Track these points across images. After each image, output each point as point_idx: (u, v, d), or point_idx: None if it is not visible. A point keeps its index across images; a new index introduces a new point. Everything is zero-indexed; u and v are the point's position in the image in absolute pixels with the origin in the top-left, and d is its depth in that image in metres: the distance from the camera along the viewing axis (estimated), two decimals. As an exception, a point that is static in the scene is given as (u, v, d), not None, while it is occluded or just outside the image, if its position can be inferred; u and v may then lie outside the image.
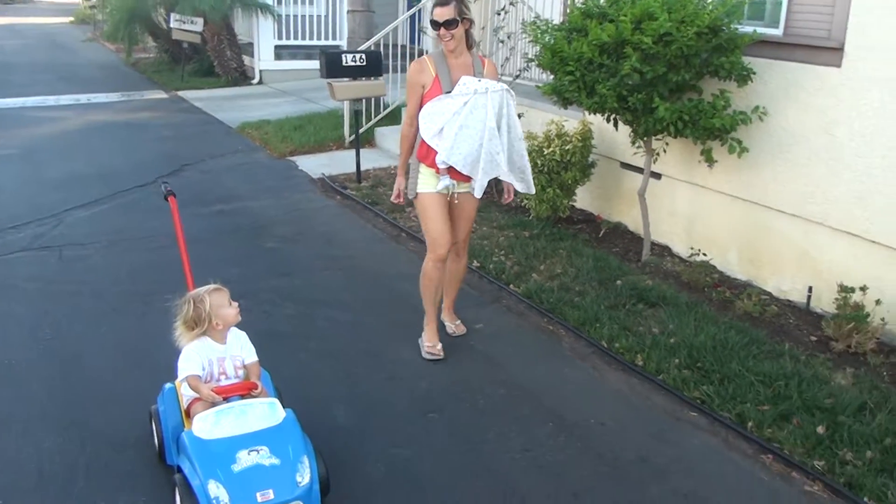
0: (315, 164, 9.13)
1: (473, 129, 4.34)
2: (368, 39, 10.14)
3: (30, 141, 10.25)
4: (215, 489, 3.00)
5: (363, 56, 8.24)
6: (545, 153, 6.67)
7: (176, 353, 3.56)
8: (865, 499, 3.55)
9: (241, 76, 15.51)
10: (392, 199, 4.92)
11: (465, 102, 4.31)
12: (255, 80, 15.36)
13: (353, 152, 8.55)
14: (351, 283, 5.95)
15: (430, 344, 4.82)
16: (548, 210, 6.89)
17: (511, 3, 7.52)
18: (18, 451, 3.77)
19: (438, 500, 3.53)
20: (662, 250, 6.46)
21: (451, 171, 4.52)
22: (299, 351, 4.85)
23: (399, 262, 6.37)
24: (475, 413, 4.23)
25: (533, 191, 4.77)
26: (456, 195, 4.67)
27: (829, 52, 5.17)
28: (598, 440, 3.99)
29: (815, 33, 5.27)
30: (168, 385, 3.70)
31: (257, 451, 3.12)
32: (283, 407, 3.37)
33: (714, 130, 5.41)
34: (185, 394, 3.55)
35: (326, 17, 15.72)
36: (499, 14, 7.74)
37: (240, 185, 8.39)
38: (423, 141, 4.54)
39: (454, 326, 5.12)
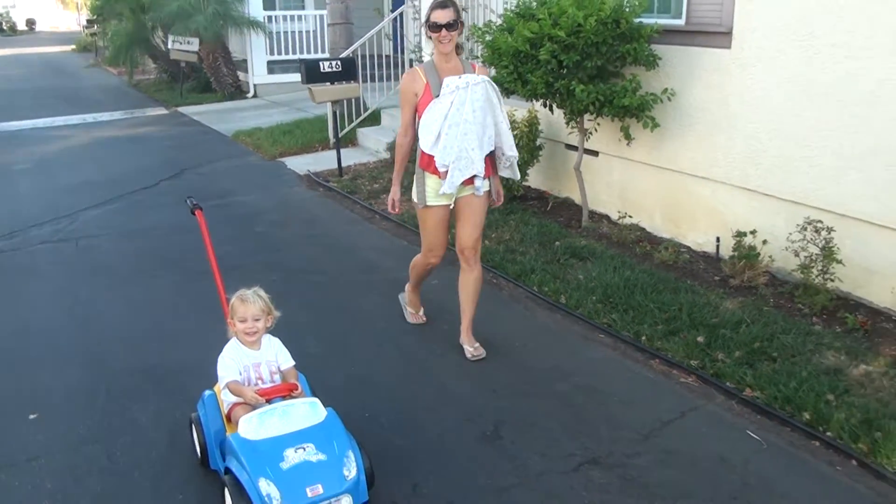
0: (302, 163, 10.09)
1: (459, 125, 4.46)
2: (348, 49, 11.10)
3: (43, 156, 11.24)
4: (266, 486, 3.07)
5: (339, 63, 9.22)
6: (497, 138, 7.58)
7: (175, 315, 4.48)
8: (728, 384, 4.45)
9: (237, 91, 16.52)
10: (389, 209, 4.97)
11: (451, 102, 4.44)
12: (250, 94, 16.37)
13: (336, 151, 9.50)
14: (328, 255, 6.89)
15: (412, 310, 5.37)
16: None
17: (463, 9, 8.46)
18: (51, 381, 4.70)
19: (385, 396, 4.45)
20: (601, 218, 7.38)
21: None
22: (282, 306, 5.74)
23: (371, 237, 7.31)
24: (422, 342, 5.16)
25: (518, 177, 4.95)
26: (456, 199, 4.74)
27: (721, 36, 6.09)
28: (520, 356, 4.91)
29: (710, 21, 6.19)
30: (208, 392, 3.81)
31: (304, 449, 3.21)
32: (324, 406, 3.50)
33: (629, 109, 6.32)
34: (226, 399, 3.65)
35: (315, 31, 16.70)
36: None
37: (233, 184, 9.35)
38: (421, 149, 4.63)
39: (472, 350, 4.92)
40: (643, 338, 4.98)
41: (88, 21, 29.11)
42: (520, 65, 6.53)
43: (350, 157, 10.10)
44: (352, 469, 3.23)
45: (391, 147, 9.71)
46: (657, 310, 5.29)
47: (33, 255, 7.00)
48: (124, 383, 4.66)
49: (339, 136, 9.67)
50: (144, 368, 4.82)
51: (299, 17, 16.79)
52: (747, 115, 6.00)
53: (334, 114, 9.66)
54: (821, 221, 5.33)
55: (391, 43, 11.28)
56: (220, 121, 13.45)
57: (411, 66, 10.67)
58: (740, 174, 6.11)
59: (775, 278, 5.83)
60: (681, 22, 6.43)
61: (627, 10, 6.11)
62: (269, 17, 16.34)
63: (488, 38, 6.84)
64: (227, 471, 3.30)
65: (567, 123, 6.99)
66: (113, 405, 4.42)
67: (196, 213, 4.38)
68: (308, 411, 3.38)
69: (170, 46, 16.46)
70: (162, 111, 15.25)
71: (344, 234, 7.48)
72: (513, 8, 6.86)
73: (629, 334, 5.06)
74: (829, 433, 3.97)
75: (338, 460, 3.21)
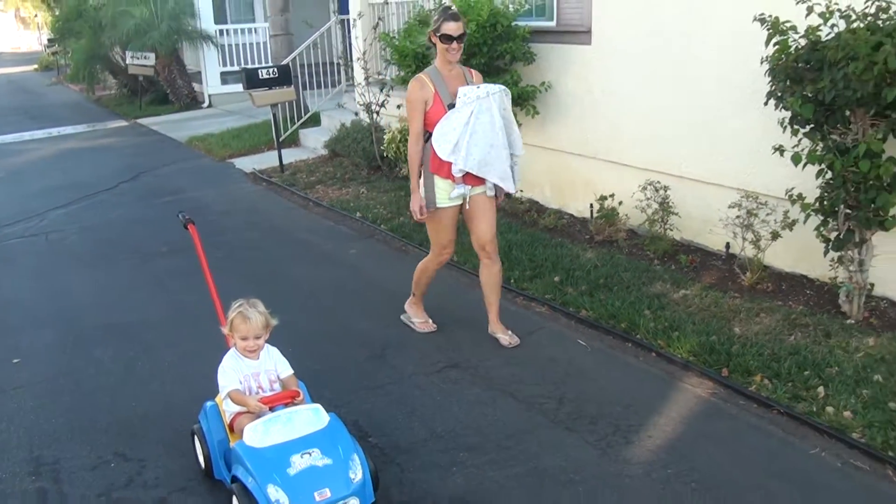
0: (248, 162, 11.18)
1: (482, 133, 4.66)
2: (287, 57, 12.22)
3: (12, 166, 12.24)
4: (275, 493, 3.12)
5: (276, 70, 10.32)
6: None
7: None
8: (570, 309, 5.61)
9: (193, 101, 17.56)
10: (416, 218, 5.05)
11: (471, 112, 4.64)
12: (205, 104, 17.41)
13: (277, 150, 10.61)
14: (266, 237, 8.00)
15: (420, 320, 5.51)
16: (419, 174, 8.95)
17: (379, 18, 9.63)
18: (30, 338, 5.75)
19: (306, 335, 5.56)
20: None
21: (466, 176, 4.83)
22: (225, 277, 6.84)
23: (304, 221, 8.44)
24: (340, 295, 6.28)
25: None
26: (468, 199, 4.93)
27: (583, 34, 7.28)
28: (404, 295, 6.01)
29: (574, 22, 7.38)
30: (209, 403, 3.88)
31: (309, 454, 3.26)
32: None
33: (513, 100, 7.47)
34: (227, 409, 3.70)
35: (265, 43, 17.72)
36: (377, 25, 9.80)
37: (186, 182, 10.44)
38: (433, 154, 4.78)
39: (507, 338, 5.19)
40: (512, 280, 6.14)
41: (49, 40, 29.94)
42: (421, 64, 7.67)
43: (292, 155, 11.21)
44: (357, 472, 3.29)
45: (329, 145, 10.86)
46: (528, 260, 6.45)
47: (9, 249, 8.04)
48: (89, 336, 5.74)
49: (282, 137, 10.80)
50: (106, 325, 5.90)
51: (250, 30, 17.83)
52: (607, 100, 7.18)
53: (274, 116, 10.75)
54: (659, 182, 6.52)
55: (329, 52, 12.38)
56: (175, 129, 14.49)
57: (347, 73, 11.83)
58: (605, 149, 7.29)
59: (635, 234, 7.01)
60: (552, 23, 7.61)
61: (503, 15, 7.27)
62: (221, 31, 17.37)
63: (396, 42, 7.97)
64: (235, 479, 3.36)
65: (467, 114, 8.13)
66: (79, 350, 5.50)
67: (189, 227, 4.47)
68: (311, 417, 3.44)
69: (128, 62, 17.47)
70: (122, 123, 16.27)
71: (281, 219, 8.60)
72: (414, 17, 8.00)
73: (509, 282, 6.20)
74: (638, 336, 5.13)
75: (343, 464, 3.27)
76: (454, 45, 4.72)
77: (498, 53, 7.35)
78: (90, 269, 7.26)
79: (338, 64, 12.43)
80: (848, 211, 4.90)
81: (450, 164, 4.75)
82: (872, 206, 4.74)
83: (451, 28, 4.69)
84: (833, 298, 5.34)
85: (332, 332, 5.61)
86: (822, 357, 4.62)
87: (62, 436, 4.39)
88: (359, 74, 10.26)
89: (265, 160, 11.19)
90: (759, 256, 5.72)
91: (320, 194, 9.17)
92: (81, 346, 5.59)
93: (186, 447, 4.12)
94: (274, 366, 3.79)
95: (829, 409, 4.14)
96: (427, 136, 4.84)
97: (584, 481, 3.77)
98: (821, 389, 4.30)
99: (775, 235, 5.56)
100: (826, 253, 5.13)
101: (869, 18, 4.58)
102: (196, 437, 3.90)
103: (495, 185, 4.95)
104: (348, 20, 11.24)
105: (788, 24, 4.93)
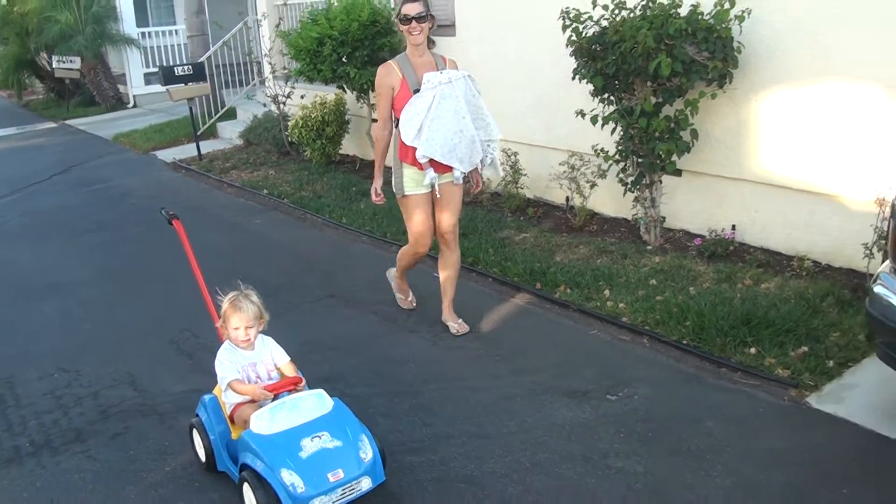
0: (169, 154, 12.24)
1: (444, 118, 4.64)
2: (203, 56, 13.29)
3: (-54, 168, 13.13)
4: (289, 476, 3.16)
5: (190, 66, 11.42)
6: (312, 117, 9.92)
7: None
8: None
9: (119, 102, 18.45)
10: (373, 200, 5.14)
11: (433, 96, 4.63)
12: (131, 105, 18.33)
13: (195, 141, 11.71)
14: (184, 213, 8.80)
15: (400, 295, 5.73)
16: (320, 156, 10.14)
17: (280, 19, 10.80)
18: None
19: (212, 282, 6.72)
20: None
21: (433, 163, 4.80)
22: (151, 244, 8.02)
23: (218, 200, 9.58)
24: (244, 254, 7.45)
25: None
26: (438, 187, 4.92)
27: (449, 27, 8.56)
28: (307, 253, 7.24)
29: (443, 16, 8.64)
30: (208, 396, 3.87)
31: (319, 437, 3.30)
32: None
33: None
34: (227, 401, 3.73)
35: (186, 44, 18.67)
36: (278, 24, 10.96)
37: (112, 173, 11.48)
38: (401, 141, 4.79)
39: (457, 326, 5.25)
40: (388, 234, 7.39)
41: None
42: (314, 58, 8.88)
43: (211, 146, 12.30)
44: (368, 452, 3.34)
45: (243, 134, 11.98)
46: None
47: (-48, 234, 9.06)
48: (33, 292, 6.82)
49: (200, 130, 11.91)
50: (45, 285, 6.98)
51: (171, 32, 18.76)
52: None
53: (191, 110, 11.83)
54: (510, 148, 7.83)
55: (242, 51, 13.47)
56: (102, 128, 15.42)
57: (257, 71, 12.94)
58: (515, 130, 8.55)
59: (498, 195, 8.31)
60: (425, 19, 8.86)
61: (381, 13, 8.51)
62: (144, 33, 18.29)
63: (291, 38, 9.16)
64: (245, 467, 3.38)
65: (357, 100, 9.37)
66: (25, 304, 6.60)
67: (174, 223, 4.50)
68: (316, 402, 3.48)
69: (54, 66, 18.26)
70: (51, 125, 17.12)
71: (197, 199, 9.72)
72: (308, 16, 9.21)
73: (381, 234, 7.46)
74: (480, 267, 6.42)
75: (353, 445, 3.32)
76: (413, 24, 4.71)
77: (378, 46, 8.58)
78: (30, 245, 8.31)
79: (249, 62, 13.52)
80: (639, 159, 6.25)
81: (415, 149, 4.74)
82: (653, 153, 6.09)
83: (409, 8, 4.69)
84: (638, 232, 6.69)
85: (233, 280, 6.78)
86: (615, 272, 5.95)
87: (16, 360, 5.50)
88: (266, 69, 11.40)
89: (185, 151, 12.24)
90: (584, 203, 7.06)
91: (234, 177, 10.31)
92: (26, 300, 6.68)
93: (109, 362, 5.28)
94: (270, 355, 3.81)
95: (609, 303, 5.47)
96: (396, 122, 4.87)
97: (417, 361, 5.04)
98: (607, 292, 5.63)
99: (592, 185, 6.90)
100: (625, 194, 6.48)
101: (639, 10, 5.91)
102: (195, 430, 3.88)
103: (471, 173, 5.02)
104: (257, 21, 12.38)
105: (587, 15, 6.24)
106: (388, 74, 4.81)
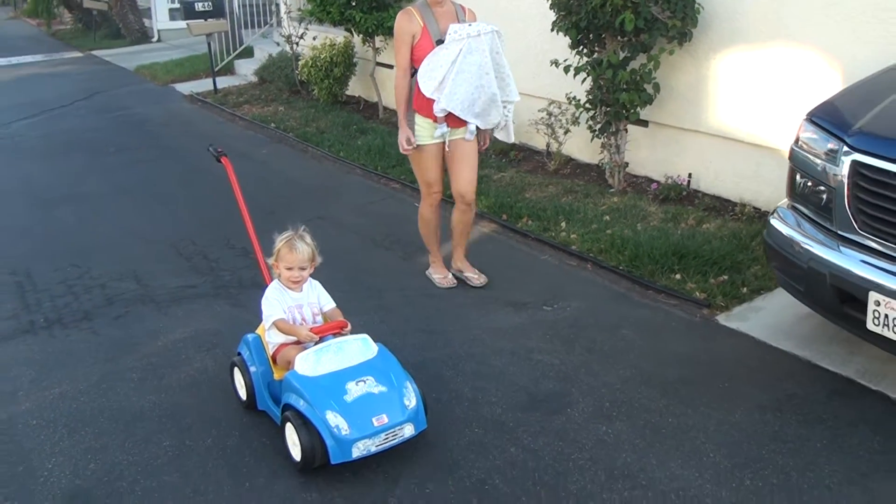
0: (188, 87, 12.88)
1: (469, 72, 4.51)
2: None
3: (-23, 89, 13.85)
4: (334, 418, 3.17)
5: (210, 3, 11.99)
6: (321, 58, 10.50)
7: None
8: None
9: (143, 36, 19.05)
10: (402, 150, 4.90)
11: (459, 49, 4.48)
12: (155, 39, 18.92)
13: (212, 76, 12.33)
14: (195, 141, 9.73)
15: (440, 276, 5.33)
16: (327, 95, 10.73)
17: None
18: (7, 206, 7.54)
19: (218, 204, 7.40)
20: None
21: (448, 118, 4.70)
22: (164, 166, 8.70)
23: (229, 130, 10.24)
24: (248, 180, 7.99)
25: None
26: (449, 143, 4.83)
27: None
28: (306, 181, 7.86)
29: None
30: (251, 335, 3.85)
31: (364, 382, 3.30)
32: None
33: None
34: (270, 341, 3.72)
35: (210, -17, 19.23)
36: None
37: (132, 102, 12.14)
38: (417, 91, 4.64)
39: (476, 276, 5.24)
40: (378, 167, 8.03)
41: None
42: (324, 0, 9.45)
43: (227, 81, 12.90)
44: (412, 399, 3.35)
45: (258, 72, 12.58)
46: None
47: (-19, 149, 9.78)
48: (51, 202, 7.53)
49: (218, 66, 12.53)
50: (63, 196, 7.69)
51: (197, -30, 19.26)
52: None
53: (209, 46, 12.43)
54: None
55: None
56: (125, 60, 16.07)
57: (275, 11, 13.50)
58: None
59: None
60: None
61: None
62: (171, -31, 18.84)
63: (303, -18, 9.71)
64: (287, 407, 3.36)
65: (363, 43, 9.94)
66: (44, 211, 7.31)
67: (222, 160, 4.53)
68: (361, 347, 3.49)
69: (83, -3, 18.95)
70: (77, 54, 17.78)
71: (209, 129, 10.37)
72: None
73: (373, 167, 8.09)
74: (456, 201, 7.04)
75: (398, 391, 3.32)
76: None
77: (380, -7, 9.14)
78: (50, 162, 9.01)
79: (268, 2, 14.07)
80: (606, 108, 6.82)
81: (432, 102, 4.61)
82: (619, 103, 6.66)
83: None
84: (605, 176, 7.29)
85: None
86: (575, 208, 6.56)
87: (34, 256, 6.21)
88: (283, 9, 11.96)
89: (202, 85, 12.87)
90: (560, 149, 7.66)
91: (245, 111, 10.94)
92: (45, 208, 7.39)
93: (117, 261, 5.98)
94: (317, 298, 3.81)
95: (563, 234, 6.10)
96: (414, 71, 4.74)
97: (387, 272, 5.70)
98: (563, 224, 6.25)
99: (567, 131, 7.49)
100: (592, 139, 7.07)
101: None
102: (237, 368, 3.87)
103: (479, 129, 4.86)
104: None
105: (567, -28, 6.76)
106: (409, 21, 4.65)
